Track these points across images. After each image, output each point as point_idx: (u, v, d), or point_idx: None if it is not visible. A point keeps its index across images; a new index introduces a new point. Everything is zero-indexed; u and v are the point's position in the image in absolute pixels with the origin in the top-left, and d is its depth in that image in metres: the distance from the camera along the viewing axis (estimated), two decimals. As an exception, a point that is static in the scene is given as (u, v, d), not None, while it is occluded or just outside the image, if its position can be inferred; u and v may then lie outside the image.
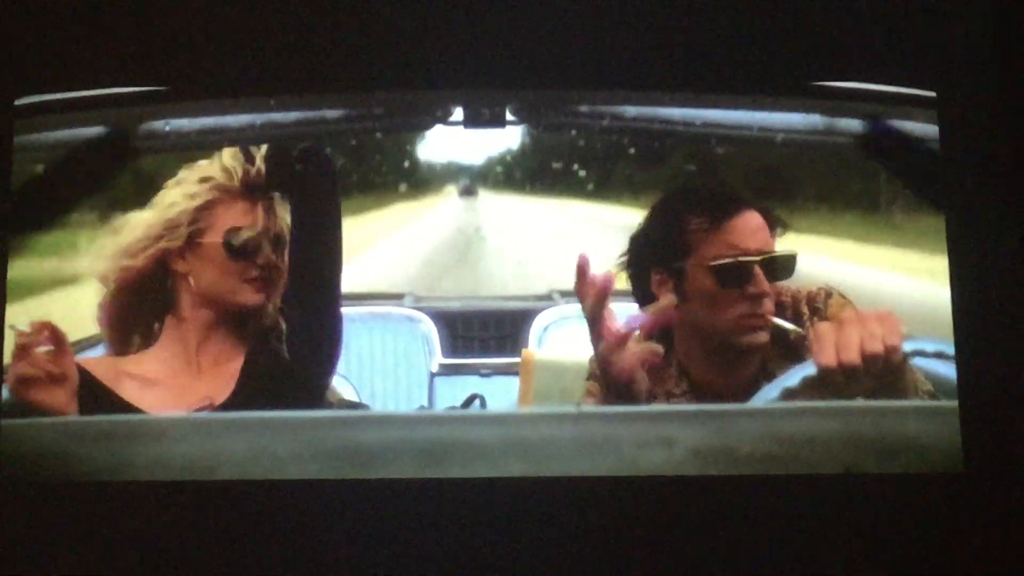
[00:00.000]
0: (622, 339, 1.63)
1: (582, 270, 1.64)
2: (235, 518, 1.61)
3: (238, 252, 1.74)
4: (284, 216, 1.76)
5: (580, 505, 1.61)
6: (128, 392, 1.72)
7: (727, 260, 1.72)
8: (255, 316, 1.76)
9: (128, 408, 1.70)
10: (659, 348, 1.67)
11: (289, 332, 1.75)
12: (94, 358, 1.77)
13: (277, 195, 1.77)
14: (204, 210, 1.75)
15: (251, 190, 1.76)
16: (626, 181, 2.34)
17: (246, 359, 1.76)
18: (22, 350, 1.62)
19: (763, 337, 1.73)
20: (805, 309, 1.75)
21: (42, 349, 1.63)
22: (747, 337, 1.73)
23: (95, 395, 1.69)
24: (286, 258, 1.75)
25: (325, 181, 1.76)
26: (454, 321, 2.29)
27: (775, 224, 1.76)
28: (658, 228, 1.79)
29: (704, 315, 1.75)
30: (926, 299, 1.79)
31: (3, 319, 1.68)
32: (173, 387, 1.75)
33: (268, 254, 1.74)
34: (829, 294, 1.76)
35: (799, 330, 1.72)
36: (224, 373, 1.76)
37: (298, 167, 1.74)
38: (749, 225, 1.73)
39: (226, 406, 1.72)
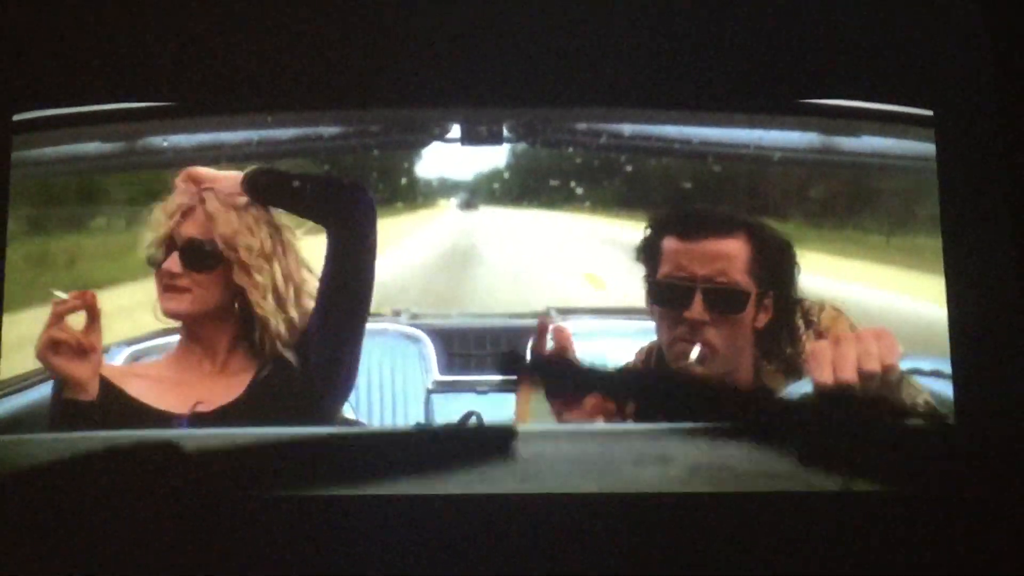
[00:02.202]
0: (571, 404, 1.65)
1: (541, 331, 1.68)
2: (230, 534, 1.61)
3: (152, 263, 1.76)
4: (220, 226, 1.75)
5: (576, 522, 1.61)
6: (135, 389, 1.73)
7: (658, 280, 1.74)
8: (266, 331, 1.76)
9: (135, 404, 1.71)
10: (610, 406, 1.68)
11: (309, 358, 1.75)
12: (106, 364, 1.78)
13: (212, 203, 1.76)
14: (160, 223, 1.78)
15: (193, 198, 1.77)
16: (623, 198, 2.34)
17: (258, 372, 1.76)
18: (57, 316, 1.64)
19: (694, 368, 1.71)
20: (800, 322, 1.75)
21: (75, 315, 1.65)
22: (677, 362, 1.73)
23: (104, 392, 1.69)
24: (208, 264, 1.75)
25: (368, 220, 1.77)
26: (451, 338, 2.29)
27: (768, 253, 1.75)
28: (644, 241, 1.79)
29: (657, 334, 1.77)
30: (922, 317, 1.79)
31: (-1, 326, 1.71)
32: (180, 385, 1.76)
33: (169, 261, 1.74)
34: (822, 307, 1.75)
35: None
36: (235, 383, 1.76)
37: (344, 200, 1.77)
38: (707, 251, 1.72)
39: (227, 411, 1.73)
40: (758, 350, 1.75)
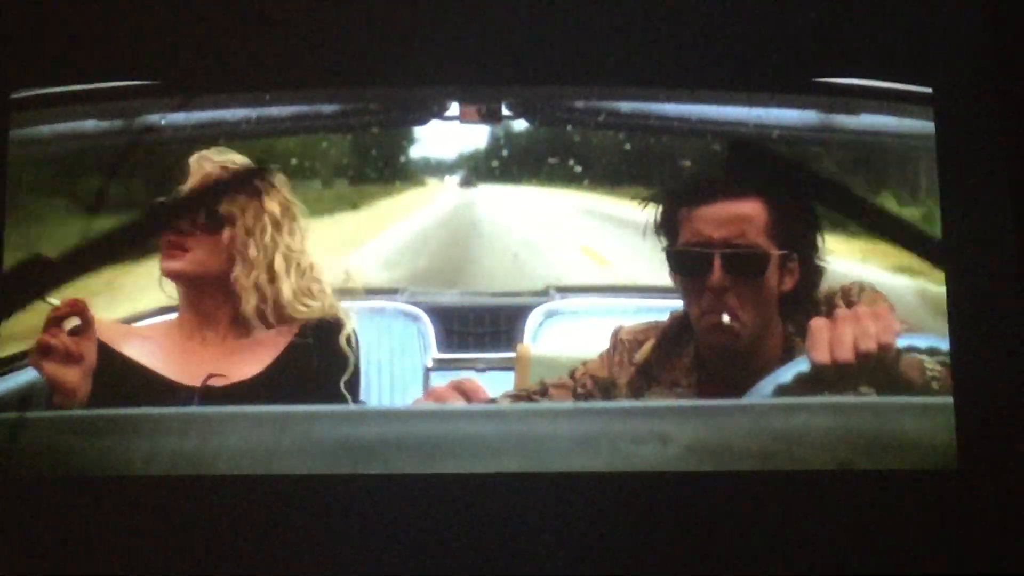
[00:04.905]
0: None
1: None
2: (231, 513, 1.61)
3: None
4: (230, 195, 1.77)
5: (575, 501, 1.61)
6: (131, 351, 1.75)
7: (676, 248, 1.70)
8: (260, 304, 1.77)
9: (136, 367, 1.73)
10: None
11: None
12: (104, 321, 1.78)
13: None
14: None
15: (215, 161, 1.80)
16: (622, 175, 2.34)
17: (288, 346, 1.78)
18: (50, 322, 1.65)
19: (723, 338, 1.69)
20: (840, 302, 1.70)
21: (69, 325, 1.66)
22: (708, 337, 1.70)
23: (101, 356, 1.70)
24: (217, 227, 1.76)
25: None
26: (449, 316, 2.29)
27: (788, 216, 1.72)
28: (660, 216, 1.77)
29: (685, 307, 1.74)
30: (921, 294, 1.79)
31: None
32: (185, 352, 1.78)
33: (177, 220, 1.76)
34: (862, 288, 1.71)
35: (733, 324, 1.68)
36: (238, 348, 1.78)
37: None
38: (721, 213, 1.68)
39: (249, 384, 1.75)
40: (783, 317, 1.72)
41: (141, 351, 1.76)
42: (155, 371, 1.74)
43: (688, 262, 1.70)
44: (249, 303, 1.76)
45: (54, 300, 1.66)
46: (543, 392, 1.75)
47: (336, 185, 2.37)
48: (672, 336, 1.76)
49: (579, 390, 1.75)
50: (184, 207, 1.75)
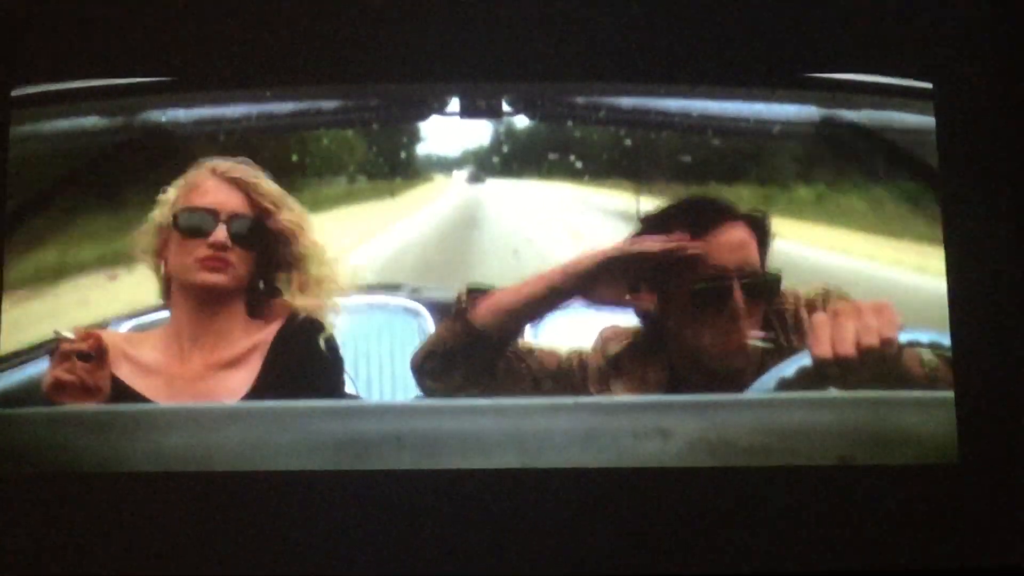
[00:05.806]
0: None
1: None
2: (230, 509, 1.62)
3: (187, 231, 1.72)
4: (259, 200, 1.74)
5: (576, 496, 1.61)
6: (125, 374, 1.72)
7: (703, 284, 1.66)
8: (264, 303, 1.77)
9: (124, 389, 1.70)
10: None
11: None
12: (105, 331, 1.76)
13: (257, 177, 1.76)
14: (181, 196, 1.75)
15: (226, 172, 1.75)
16: (622, 171, 2.34)
17: (271, 350, 1.75)
18: (63, 356, 1.62)
19: (740, 361, 1.68)
20: (805, 315, 1.70)
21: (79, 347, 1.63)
22: (723, 362, 1.69)
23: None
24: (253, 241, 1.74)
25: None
26: (449, 312, 2.29)
27: (764, 235, 1.71)
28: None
29: (684, 335, 1.71)
30: (921, 289, 1.79)
31: (-1, 306, 1.72)
32: (165, 375, 1.74)
33: (217, 233, 1.71)
34: (827, 296, 1.71)
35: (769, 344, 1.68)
36: (225, 362, 1.75)
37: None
38: (730, 240, 1.68)
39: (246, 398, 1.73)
40: None
41: (133, 373, 1.73)
42: (147, 397, 1.71)
43: (709, 295, 1.67)
44: (309, 301, 1.76)
45: (67, 333, 1.63)
46: (529, 351, 1.76)
47: (336, 183, 2.37)
48: (646, 338, 1.76)
49: (563, 363, 1.77)
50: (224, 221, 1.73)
